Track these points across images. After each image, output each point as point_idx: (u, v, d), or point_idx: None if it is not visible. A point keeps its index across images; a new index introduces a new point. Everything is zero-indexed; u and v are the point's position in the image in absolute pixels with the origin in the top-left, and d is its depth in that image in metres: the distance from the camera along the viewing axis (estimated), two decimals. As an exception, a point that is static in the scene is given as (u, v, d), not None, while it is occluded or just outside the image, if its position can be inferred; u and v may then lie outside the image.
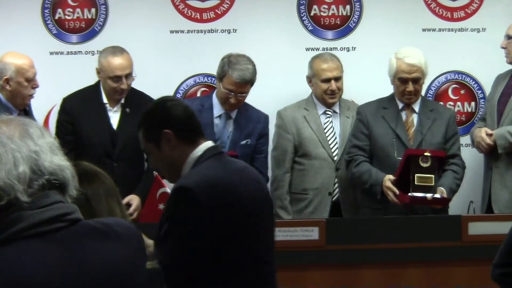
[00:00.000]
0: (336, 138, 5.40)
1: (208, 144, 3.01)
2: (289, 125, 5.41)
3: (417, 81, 5.03)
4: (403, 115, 5.10)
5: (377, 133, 5.06)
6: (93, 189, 2.34)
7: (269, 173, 5.38)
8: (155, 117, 3.03)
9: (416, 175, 4.76)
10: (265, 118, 5.22)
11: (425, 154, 4.81)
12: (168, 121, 2.98)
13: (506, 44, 5.40)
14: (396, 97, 5.12)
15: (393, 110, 5.10)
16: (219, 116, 5.04)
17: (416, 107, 5.12)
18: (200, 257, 2.75)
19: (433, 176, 4.77)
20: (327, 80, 5.33)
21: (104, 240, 1.78)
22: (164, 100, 3.20)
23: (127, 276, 1.81)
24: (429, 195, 4.71)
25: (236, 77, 4.87)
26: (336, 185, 5.34)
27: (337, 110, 5.44)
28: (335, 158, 5.35)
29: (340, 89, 5.37)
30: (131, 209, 5.14)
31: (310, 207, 5.34)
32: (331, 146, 5.38)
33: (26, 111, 5.05)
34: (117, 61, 5.13)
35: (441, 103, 5.66)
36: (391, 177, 4.85)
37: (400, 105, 5.10)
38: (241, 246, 2.87)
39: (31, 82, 4.92)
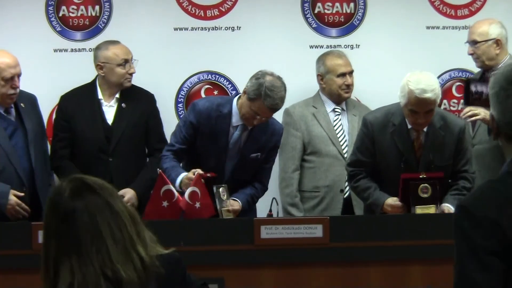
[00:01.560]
0: (345, 135, 5.44)
1: None
2: (298, 123, 5.43)
3: (430, 112, 4.66)
4: (412, 134, 4.79)
5: (384, 153, 4.81)
6: (106, 194, 2.39)
7: (277, 172, 5.37)
8: None
9: (416, 207, 4.63)
10: (280, 130, 5.01)
11: (421, 176, 4.67)
12: None
13: (474, 50, 5.28)
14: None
15: (402, 128, 4.78)
16: (236, 127, 4.87)
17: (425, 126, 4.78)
18: None
19: (434, 206, 4.64)
20: (343, 75, 5.40)
21: None
22: None
23: None
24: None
25: (268, 105, 4.65)
26: (347, 182, 5.34)
27: (345, 108, 5.50)
28: (346, 156, 5.37)
29: (352, 84, 5.45)
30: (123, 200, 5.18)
31: (322, 205, 5.38)
32: (341, 144, 5.42)
33: (18, 108, 5.06)
34: (120, 48, 5.30)
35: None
36: (394, 198, 4.77)
37: (410, 125, 4.76)
38: None
39: (10, 82, 4.90)
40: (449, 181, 4.91)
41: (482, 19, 5.48)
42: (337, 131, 5.44)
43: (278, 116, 5.39)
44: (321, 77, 5.47)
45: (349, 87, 5.43)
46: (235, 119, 4.83)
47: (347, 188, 5.34)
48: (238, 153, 4.88)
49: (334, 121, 5.45)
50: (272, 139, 4.94)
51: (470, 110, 4.93)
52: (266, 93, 4.63)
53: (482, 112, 4.99)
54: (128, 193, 5.17)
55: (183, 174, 4.67)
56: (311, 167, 5.42)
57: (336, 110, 5.47)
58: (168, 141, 5.09)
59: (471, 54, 5.30)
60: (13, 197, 4.84)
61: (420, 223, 4.41)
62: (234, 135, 4.86)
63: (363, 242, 4.28)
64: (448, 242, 4.21)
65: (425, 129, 4.78)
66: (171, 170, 4.69)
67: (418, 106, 4.60)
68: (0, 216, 4.81)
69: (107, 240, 2.32)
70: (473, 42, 5.29)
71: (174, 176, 4.66)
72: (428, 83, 4.59)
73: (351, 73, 5.44)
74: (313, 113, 5.44)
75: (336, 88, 5.41)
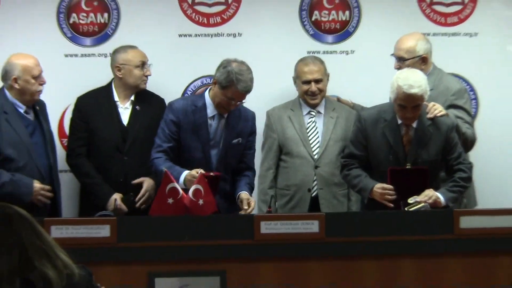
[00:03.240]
0: (318, 137, 5.55)
1: None
2: (275, 125, 5.59)
3: (417, 107, 4.84)
4: (402, 129, 4.97)
5: (375, 147, 5.01)
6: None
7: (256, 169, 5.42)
8: None
9: (406, 208, 4.74)
10: (253, 116, 5.21)
11: (408, 167, 4.86)
12: None
13: (400, 65, 5.29)
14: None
15: (392, 124, 4.97)
16: (213, 117, 5.06)
17: (415, 122, 4.96)
18: None
19: (423, 204, 4.76)
20: (308, 82, 5.49)
21: None
22: None
23: None
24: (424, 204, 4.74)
25: (242, 89, 4.88)
26: (315, 182, 5.51)
27: (322, 111, 5.59)
28: (315, 157, 5.52)
29: (322, 91, 5.51)
30: (142, 191, 5.31)
31: (291, 203, 5.53)
32: (312, 145, 5.54)
33: (35, 110, 5.17)
34: (137, 51, 5.41)
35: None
36: (383, 185, 4.90)
37: (400, 120, 4.95)
38: None
39: (38, 79, 5.05)
40: (446, 177, 5.05)
41: (407, 34, 5.43)
42: (309, 133, 5.55)
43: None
44: (294, 81, 5.59)
45: (313, 94, 5.52)
46: (210, 110, 5.04)
47: (315, 188, 5.49)
48: (220, 141, 5.06)
49: (308, 123, 5.56)
50: (247, 124, 5.15)
51: (439, 109, 5.05)
52: (237, 78, 4.86)
53: (443, 110, 5.12)
54: (146, 181, 5.32)
55: (186, 172, 4.79)
56: (285, 167, 5.57)
57: (311, 112, 5.57)
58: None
59: (398, 69, 5.27)
60: (36, 184, 4.91)
61: (412, 220, 4.48)
62: (213, 124, 5.04)
63: (358, 238, 4.35)
64: (438, 237, 4.36)
65: (414, 125, 4.95)
66: (170, 169, 4.69)
67: (406, 100, 4.80)
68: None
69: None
70: (400, 59, 5.33)
71: (176, 175, 4.76)
72: (415, 80, 4.80)
73: (318, 81, 5.48)
74: (289, 115, 5.57)
75: (302, 93, 5.52)
